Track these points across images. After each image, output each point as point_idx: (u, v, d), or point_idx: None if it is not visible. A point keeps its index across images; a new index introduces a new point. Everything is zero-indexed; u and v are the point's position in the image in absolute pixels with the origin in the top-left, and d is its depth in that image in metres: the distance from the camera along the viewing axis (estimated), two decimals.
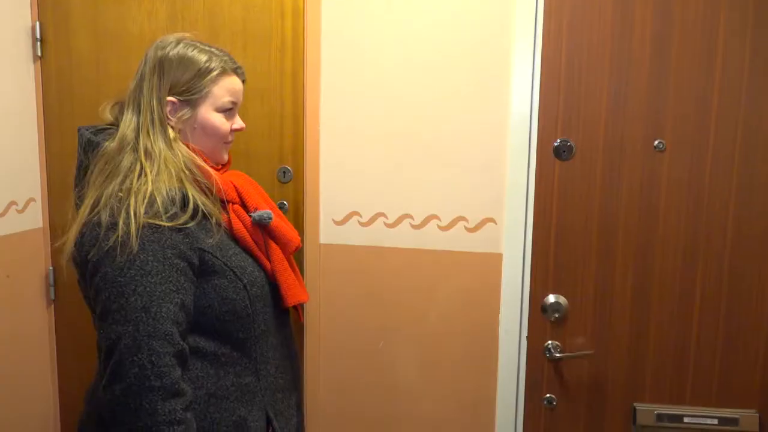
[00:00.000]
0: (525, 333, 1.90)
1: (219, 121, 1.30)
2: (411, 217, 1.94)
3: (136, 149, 1.23)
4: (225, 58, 1.31)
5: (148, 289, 1.12)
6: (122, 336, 1.10)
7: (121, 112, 1.28)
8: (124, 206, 1.15)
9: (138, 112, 1.25)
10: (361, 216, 1.98)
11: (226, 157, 1.36)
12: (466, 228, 1.91)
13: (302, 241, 1.99)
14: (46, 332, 2.21)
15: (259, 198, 1.35)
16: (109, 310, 1.12)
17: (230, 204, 1.28)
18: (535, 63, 1.82)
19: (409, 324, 1.98)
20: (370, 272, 1.99)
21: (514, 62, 1.83)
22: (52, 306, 2.22)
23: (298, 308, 1.41)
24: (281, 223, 1.35)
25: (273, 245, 1.32)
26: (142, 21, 2.02)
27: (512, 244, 1.87)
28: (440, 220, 1.93)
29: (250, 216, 1.30)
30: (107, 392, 1.11)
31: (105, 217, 1.16)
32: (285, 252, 1.34)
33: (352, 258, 1.99)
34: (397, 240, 1.96)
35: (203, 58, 1.27)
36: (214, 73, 1.28)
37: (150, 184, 1.18)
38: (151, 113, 1.24)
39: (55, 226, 2.16)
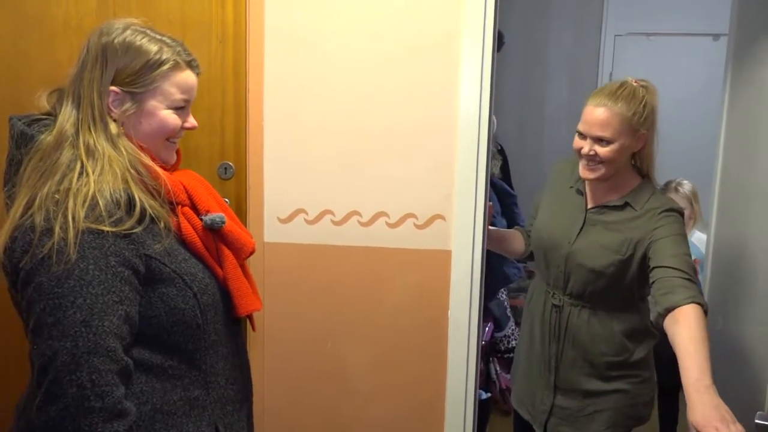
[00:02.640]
0: (474, 329, 1.90)
1: (169, 117, 1.18)
2: (359, 214, 1.90)
3: (75, 145, 1.11)
4: (178, 49, 1.18)
5: (88, 300, 1.02)
6: (59, 352, 1.00)
7: (60, 102, 1.16)
8: (62, 209, 1.04)
9: (78, 105, 1.13)
10: (307, 213, 1.92)
11: (173, 158, 1.24)
12: (415, 225, 1.89)
13: None
14: None
15: (211, 200, 1.25)
16: (44, 324, 1.02)
17: (179, 206, 1.18)
18: (485, 60, 1.81)
19: (357, 323, 1.94)
20: (317, 271, 1.93)
21: (463, 60, 1.81)
22: None
23: (250, 317, 1.33)
24: (234, 227, 1.26)
25: (225, 251, 1.23)
26: (68, 5, 1.87)
27: (462, 240, 1.87)
28: (389, 218, 1.89)
29: (201, 219, 1.20)
30: (41, 414, 1.00)
31: (39, 220, 1.04)
32: (238, 258, 1.25)
33: (298, 257, 1.93)
34: (344, 238, 1.91)
35: (153, 48, 1.15)
36: (165, 66, 1.14)
37: (92, 184, 1.07)
38: (92, 108, 1.12)
39: None
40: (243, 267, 1.28)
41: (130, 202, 1.09)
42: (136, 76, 1.14)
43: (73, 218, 1.03)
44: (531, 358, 1.87)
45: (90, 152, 1.10)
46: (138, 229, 1.09)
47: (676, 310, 1.45)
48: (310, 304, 1.95)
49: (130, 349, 1.09)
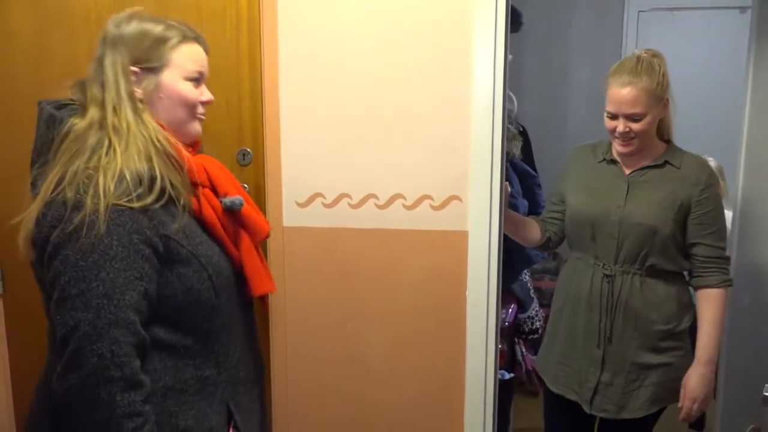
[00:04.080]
0: (492, 309, 1.91)
1: (187, 88, 1.24)
2: (376, 197, 1.92)
3: (103, 126, 1.17)
4: (183, 27, 1.25)
5: (111, 275, 1.07)
6: (81, 323, 1.06)
7: (83, 91, 1.22)
8: (93, 183, 1.09)
9: (103, 88, 1.19)
10: (324, 197, 1.94)
11: (199, 130, 1.29)
12: (431, 206, 1.90)
13: None
14: None
15: (229, 184, 1.29)
16: (68, 296, 1.07)
17: (200, 188, 1.22)
18: (497, 39, 1.80)
19: (376, 305, 1.96)
20: (336, 254, 1.96)
21: (476, 39, 1.80)
22: (1, 300, 2.12)
23: (264, 299, 1.37)
24: (251, 211, 1.31)
25: (242, 233, 1.27)
26: None
27: (478, 220, 1.87)
28: (405, 199, 1.90)
29: (220, 202, 1.25)
30: (62, 382, 1.06)
31: (71, 195, 1.09)
32: (254, 240, 1.30)
33: (317, 240, 1.95)
34: (362, 221, 1.93)
35: (160, 27, 1.22)
36: (174, 40, 1.22)
37: (119, 160, 1.12)
38: (117, 87, 1.18)
39: (1, 217, 2.04)
40: (257, 250, 1.31)
41: (152, 180, 1.14)
42: (149, 53, 1.20)
43: (104, 193, 1.09)
44: (573, 337, 1.88)
45: (116, 130, 1.16)
46: (157, 206, 1.13)
47: (707, 290, 1.78)
48: (329, 286, 1.97)
49: (147, 325, 1.13)
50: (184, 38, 1.24)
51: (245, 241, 1.28)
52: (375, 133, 1.89)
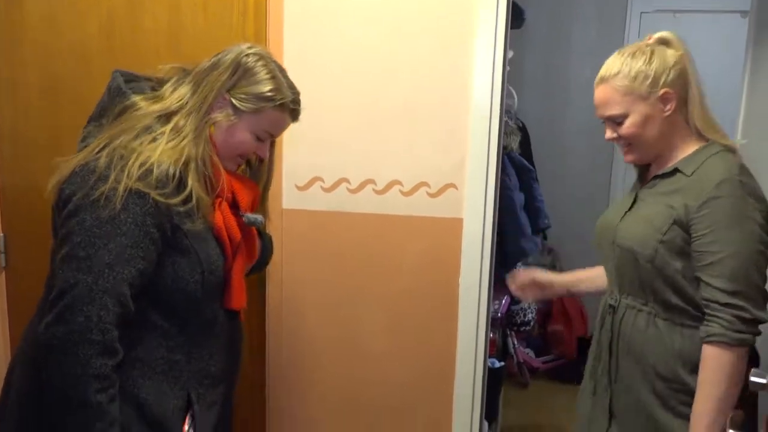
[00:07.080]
0: (484, 295, 1.95)
1: (249, 141, 1.34)
2: (374, 182, 1.96)
3: (168, 118, 1.26)
4: (290, 95, 1.34)
5: (118, 248, 1.16)
6: (80, 283, 1.14)
7: (178, 79, 1.31)
8: (122, 163, 1.18)
9: (194, 91, 1.28)
10: (324, 181, 1.98)
11: (233, 169, 1.38)
12: (428, 193, 1.94)
13: (265, 206, 1.99)
14: None
15: (249, 207, 1.39)
16: (76, 256, 1.15)
17: (218, 199, 1.31)
18: (498, 33, 1.85)
19: (371, 287, 2.01)
20: (333, 237, 2.00)
21: (478, 32, 1.85)
22: (3, 273, 2.16)
23: (240, 314, 1.45)
24: (257, 237, 1.43)
25: (243, 251, 1.37)
26: None
27: (473, 209, 1.91)
28: (403, 186, 1.95)
29: (241, 216, 1.35)
30: (48, 330, 1.14)
31: (102, 164, 1.18)
32: (247, 260, 1.41)
33: (315, 223, 2.00)
34: (359, 205, 1.98)
35: (272, 85, 1.31)
36: (272, 104, 1.31)
37: (156, 153, 1.21)
38: (203, 100, 1.27)
39: (6, 190, 2.09)
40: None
41: (181, 182, 1.22)
42: (247, 96, 1.30)
43: (128, 175, 1.17)
44: (587, 377, 1.62)
45: (176, 129, 1.25)
46: (181, 208, 1.22)
47: (703, 344, 1.37)
48: (325, 269, 2.02)
49: (135, 299, 1.20)
50: (282, 107, 1.33)
51: (242, 258, 1.38)
52: (375, 120, 1.93)
